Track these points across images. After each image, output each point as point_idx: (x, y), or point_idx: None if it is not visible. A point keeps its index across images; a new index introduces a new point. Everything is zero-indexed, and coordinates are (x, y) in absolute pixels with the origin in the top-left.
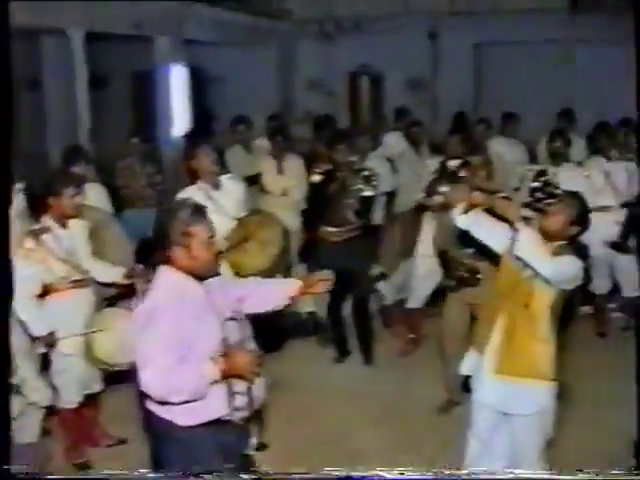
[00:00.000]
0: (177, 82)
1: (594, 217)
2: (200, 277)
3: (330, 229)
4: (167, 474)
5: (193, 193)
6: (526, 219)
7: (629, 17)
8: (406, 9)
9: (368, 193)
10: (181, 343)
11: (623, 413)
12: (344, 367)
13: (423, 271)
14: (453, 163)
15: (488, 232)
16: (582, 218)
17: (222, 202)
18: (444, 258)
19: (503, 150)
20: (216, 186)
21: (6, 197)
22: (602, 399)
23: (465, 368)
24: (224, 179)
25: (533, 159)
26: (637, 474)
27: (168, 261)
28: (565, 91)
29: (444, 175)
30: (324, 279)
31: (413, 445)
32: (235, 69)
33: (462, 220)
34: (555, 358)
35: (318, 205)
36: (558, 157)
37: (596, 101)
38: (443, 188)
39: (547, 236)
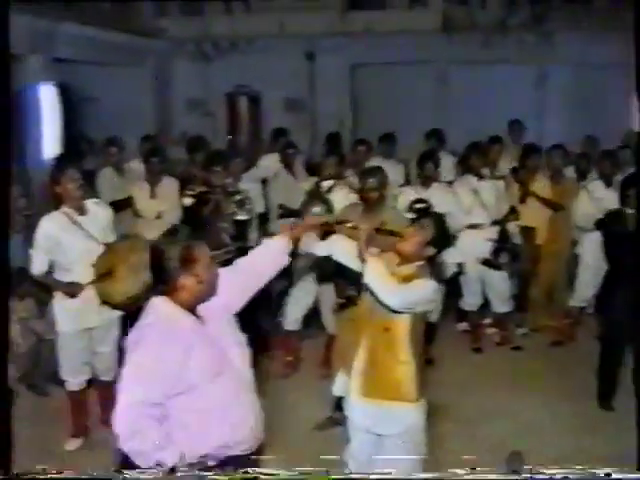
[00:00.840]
0: (47, 102)
1: (466, 235)
2: (197, 304)
3: None
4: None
5: (57, 219)
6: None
7: (502, 37)
8: (283, 30)
9: (242, 217)
10: (161, 382)
11: (499, 426)
12: None
13: (299, 293)
14: (326, 184)
15: (347, 259)
16: (438, 239)
17: (88, 227)
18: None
19: None
20: (81, 211)
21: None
22: (478, 414)
23: (336, 390)
24: (90, 204)
25: (408, 179)
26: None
27: (168, 292)
28: (439, 111)
29: (316, 196)
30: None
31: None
32: (110, 89)
33: (319, 247)
34: (424, 377)
35: (192, 228)
36: (428, 179)
37: (469, 120)
38: (315, 209)
39: (403, 258)
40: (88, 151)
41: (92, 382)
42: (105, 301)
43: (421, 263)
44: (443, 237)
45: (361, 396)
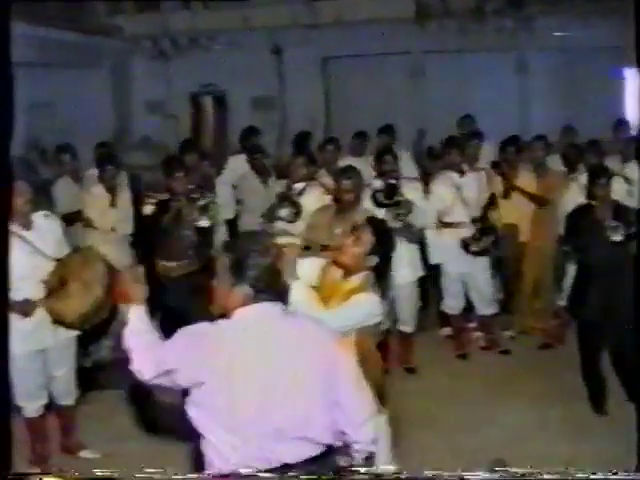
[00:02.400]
0: None
1: (445, 234)
2: None
3: (168, 264)
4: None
5: None
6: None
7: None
8: (246, 24)
9: (204, 224)
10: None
11: (485, 435)
12: None
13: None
14: (298, 186)
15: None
16: (379, 247)
17: (36, 243)
18: None
19: None
20: (27, 226)
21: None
22: (463, 423)
23: None
24: (37, 217)
25: None
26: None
27: None
28: (416, 103)
29: (285, 199)
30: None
31: None
32: (64, 93)
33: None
34: (404, 387)
35: (153, 238)
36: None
37: (448, 113)
38: (283, 212)
39: (345, 270)
40: (41, 160)
41: (51, 407)
42: (57, 320)
43: (364, 274)
44: (384, 244)
45: None
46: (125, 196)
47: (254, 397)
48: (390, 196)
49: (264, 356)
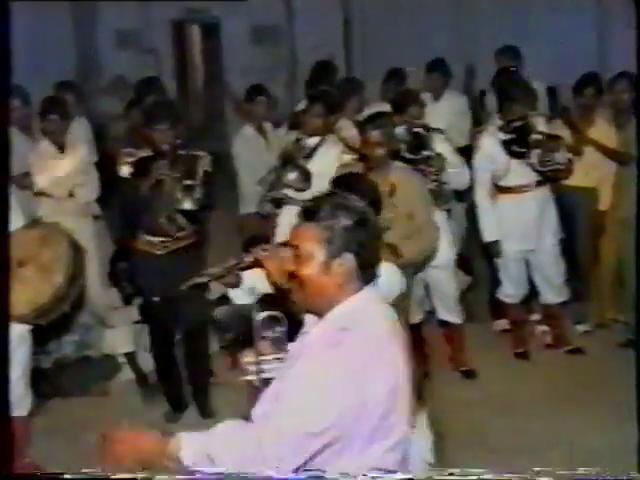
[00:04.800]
0: None
1: (504, 202)
2: None
3: (151, 238)
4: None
5: None
6: None
7: None
8: None
9: (187, 206)
10: None
11: (552, 457)
12: (180, 425)
13: None
14: (311, 141)
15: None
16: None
17: None
18: None
19: None
20: None
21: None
22: (523, 441)
23: None
24: None
25: None
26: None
27: None
28: (459, 31)
29: (291, 159)
30: None
31: None
32: (15, 22)
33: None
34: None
35: (132, 206)
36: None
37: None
38: (290, 176)
39: None
40: None
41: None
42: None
43: None
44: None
45: None
46: (83, 153)
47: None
48: (417, 149)
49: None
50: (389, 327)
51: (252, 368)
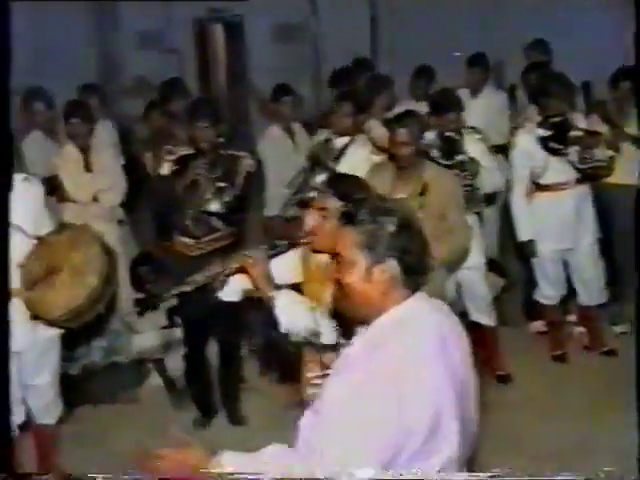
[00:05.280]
0: None
1: (541, 200)
2: None
3: (185, 239)
4: None
5: None
6: None
7: None
8: None
9: (213, 208)
10: None
11: (594, 465)
12: (209, 432)
13: None
14: (340, 141)
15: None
16: None
17: (14, 214)
18: None
19: None
20: None
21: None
22: (562, 448)
23: None
24: (15, 181)
25: None
26: None
27: None
28: (489, 28)
29: (320, 160)
30: None
31: None
32: (30, 23)
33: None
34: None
35: (166, 206)
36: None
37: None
38: (319, 178)
39: (327, 252)
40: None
41: (27, 426)
42: (37, 316)
43: None
44: None
45: None
46: (108, 157)
47: None
48: (450, 154)
49: None
50: (435, 341)
51: (317, 382)
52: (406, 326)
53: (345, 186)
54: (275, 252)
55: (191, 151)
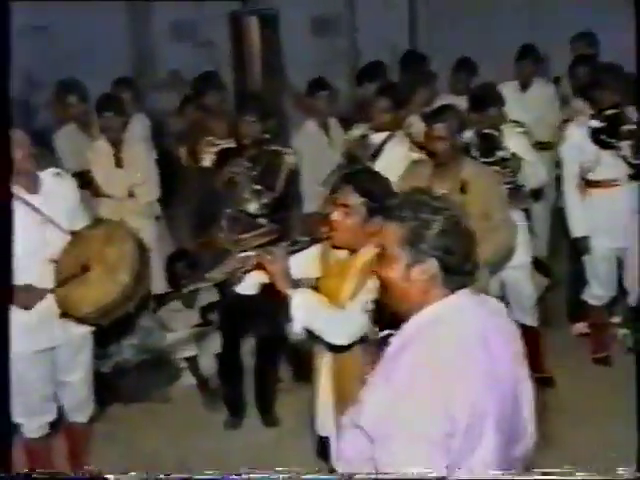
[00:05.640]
0: None
1: (592, 197)
2: None
3: (227, 235)
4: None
5: None
6: None
7: None
8: None
9: (251, 209)
10: None
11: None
12: (241, 434)
13: None
14: (378, 137)
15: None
16: None
17: (47, 210)
18: None
19: None
20: (34, 188)
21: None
22: (600, 457)
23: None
24: (46, 177)
25: None
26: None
27: None
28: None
29: (357, 158)
30: None
31: None
32: (65, 15)
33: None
34: None
35: (207, 201)
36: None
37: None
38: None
39: (346, 247)
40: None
41: (58, 425)
42: (66, 312)
43: None
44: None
45: None
46: (139, 151)
47: None
48: (490, 151)
49: None
50: (473, 339)
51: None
52: (441, 324)
53: (366, 182)
54: (296, 248)
55: (233, 145)
